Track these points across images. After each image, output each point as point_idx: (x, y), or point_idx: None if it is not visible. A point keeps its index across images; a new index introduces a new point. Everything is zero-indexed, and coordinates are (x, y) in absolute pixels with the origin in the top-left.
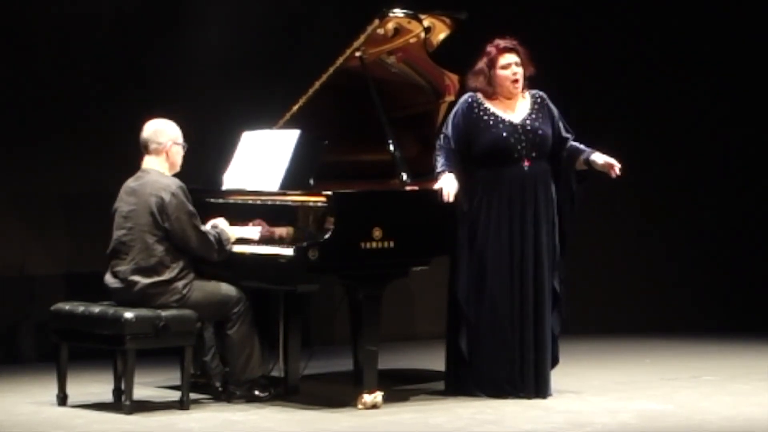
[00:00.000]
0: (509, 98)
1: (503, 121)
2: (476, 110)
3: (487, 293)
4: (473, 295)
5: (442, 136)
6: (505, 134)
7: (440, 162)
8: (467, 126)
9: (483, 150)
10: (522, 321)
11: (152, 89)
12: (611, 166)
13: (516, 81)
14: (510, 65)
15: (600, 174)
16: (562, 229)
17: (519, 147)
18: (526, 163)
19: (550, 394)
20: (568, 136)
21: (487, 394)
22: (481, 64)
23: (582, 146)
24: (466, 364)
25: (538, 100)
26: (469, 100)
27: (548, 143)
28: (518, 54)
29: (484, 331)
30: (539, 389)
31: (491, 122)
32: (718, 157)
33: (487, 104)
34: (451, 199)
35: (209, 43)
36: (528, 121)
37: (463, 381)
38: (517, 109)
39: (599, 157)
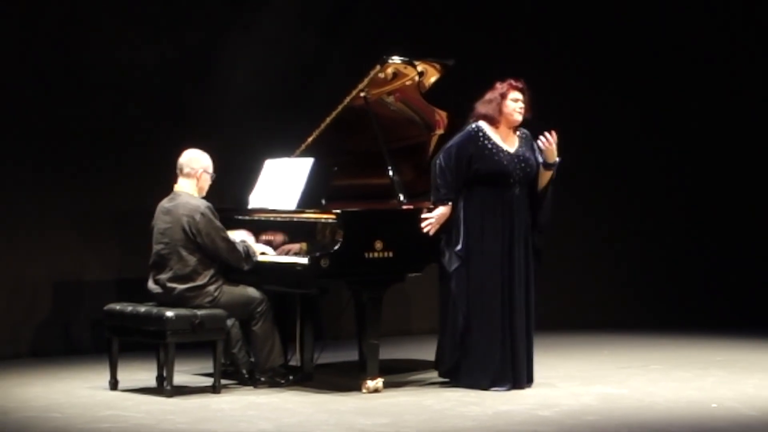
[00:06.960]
0: (510, 128)
1: (503, 150)
2: (481, 138)
3: (485, 292)
4: (468, 295)
5: (444, 156)
6: (505, 162)
7: (443, 190)
8: (473, 150)
9: (486, 173)
10: (512, 316)
11: (189, 124)
12: (546, 143)
13: (520, 113)
14: (518, 100)
15: (565, 178)
16: (536, 247)
17: (514, 174)
18: (517, 190)
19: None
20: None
21: (481, 386)
22: (494, 94)
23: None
24: (462, 357)
25: (524, 136)
26: (475, 128)
27: (533, 174)
28: (524, 95)
29: (481, 326)
30: (530, 377)
31: (494, 150)
32: (659, 163)
33: (490, 134)
34: (431, 233)
35: (237, 85)
36: (520, 153)
37: (459, 372)
38: (512, 142)
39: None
